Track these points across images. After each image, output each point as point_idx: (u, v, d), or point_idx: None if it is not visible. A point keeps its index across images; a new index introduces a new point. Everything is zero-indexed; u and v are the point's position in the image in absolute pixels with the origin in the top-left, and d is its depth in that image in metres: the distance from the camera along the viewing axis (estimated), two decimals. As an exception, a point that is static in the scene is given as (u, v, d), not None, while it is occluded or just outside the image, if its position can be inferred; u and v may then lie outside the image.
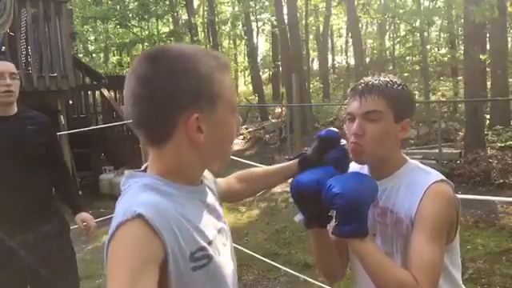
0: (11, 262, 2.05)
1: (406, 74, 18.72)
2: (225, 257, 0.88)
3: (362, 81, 1.21)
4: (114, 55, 22.60)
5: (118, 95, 8.38)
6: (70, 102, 7.68)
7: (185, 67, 0.81)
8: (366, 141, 1.15)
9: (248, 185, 1.28)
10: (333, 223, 1.13)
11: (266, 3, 19.50)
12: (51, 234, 2.17)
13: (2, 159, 2.04)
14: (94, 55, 21.72)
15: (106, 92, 7.73)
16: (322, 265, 1.31)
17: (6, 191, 2.04)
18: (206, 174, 1.01)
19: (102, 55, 22.45)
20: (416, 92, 17.53)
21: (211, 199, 0.94)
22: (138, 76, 0.81)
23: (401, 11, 15.54)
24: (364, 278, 1.19)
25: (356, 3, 15.72)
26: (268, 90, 21.01)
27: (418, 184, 1.13)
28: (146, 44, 19.99)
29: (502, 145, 8.25)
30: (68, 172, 2.47)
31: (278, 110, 14.13)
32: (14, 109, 2.15)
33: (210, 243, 0.83)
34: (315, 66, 25.72)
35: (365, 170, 1.27)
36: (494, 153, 7.92)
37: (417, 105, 13.53)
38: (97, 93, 8.36)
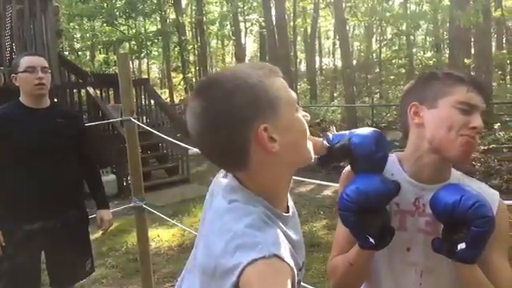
0: (29, 245, 2.12)
1: (392, 77, 18.94)
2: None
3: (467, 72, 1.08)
4: (100, 53, 22.43)
5: (103, 94, 8.29)
6: (55, 100, 7.58)
7: (235, 85, 0.78)
8: (477, 140, 1.02)
9: None
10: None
11: (255, 4, 19.54)
12: (69, 223, 2.23)
13: (31, 149, 2.10)
14: (80, 53, 21.53)
15: (91, 90, 7.64)
16: (350, 285, 1.14)
17: (32, 179, 2.10)
18: None
19: (88, 53, 22.26)
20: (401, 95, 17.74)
21: (299, 225, 0.94)
22: (194, 113, 0.81)
23: (388, 14, 15.71)
24: None
25: (343, 6, 15.84)
26: (255, 90, 21.03)
27: (486, 196, 0.99)
28: (132, 42, 19.90)
29: (486, 148, 8.38)
30: (95, 167, 2.48)
31: (265, 110, 14.12)
32: (47, 102, 2.23)
33: (300, 269, 0.86)
34: (303, 67, 25.84)
35: (393, 167, 1.14)
36: (477, 156, 8.03)
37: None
38: (82, 91, 8.26)
